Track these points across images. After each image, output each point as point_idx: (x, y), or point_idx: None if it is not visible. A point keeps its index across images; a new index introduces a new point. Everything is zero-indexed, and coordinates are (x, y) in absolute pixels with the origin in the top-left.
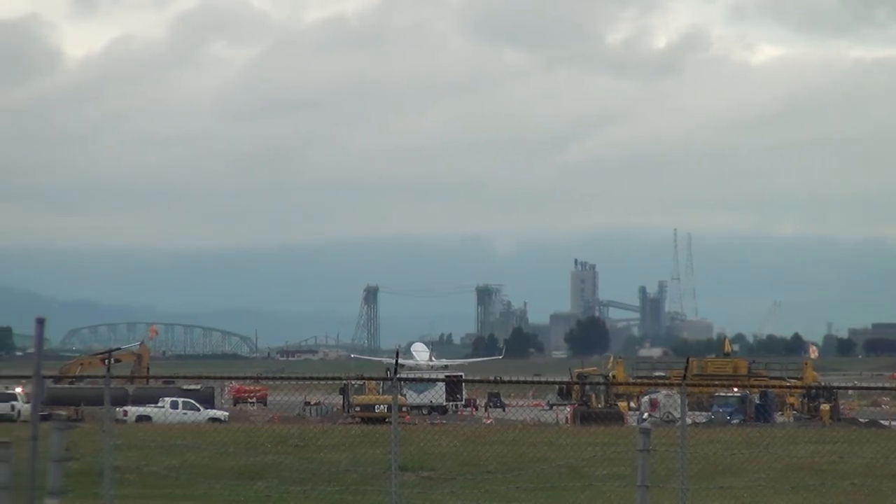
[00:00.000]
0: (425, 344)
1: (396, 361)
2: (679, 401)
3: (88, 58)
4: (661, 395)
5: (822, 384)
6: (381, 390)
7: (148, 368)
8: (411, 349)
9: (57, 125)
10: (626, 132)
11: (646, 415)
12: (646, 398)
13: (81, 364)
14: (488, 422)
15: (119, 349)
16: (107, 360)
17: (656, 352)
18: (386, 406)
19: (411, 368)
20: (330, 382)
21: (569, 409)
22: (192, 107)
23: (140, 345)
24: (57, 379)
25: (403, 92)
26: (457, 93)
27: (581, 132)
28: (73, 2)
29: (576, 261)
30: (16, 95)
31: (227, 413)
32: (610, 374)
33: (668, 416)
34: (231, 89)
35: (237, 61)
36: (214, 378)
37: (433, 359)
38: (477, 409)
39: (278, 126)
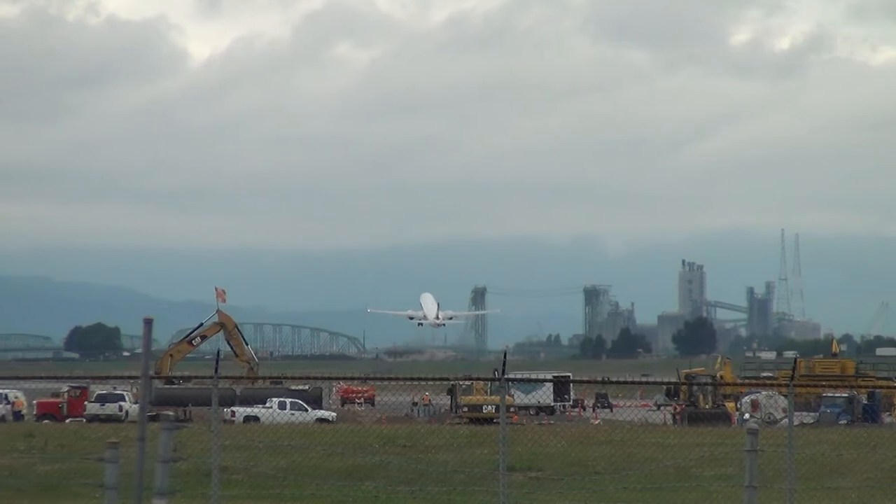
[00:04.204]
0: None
1: (504, 363)
2: (781, 402)
3: (212, 59)
4: (762, 395)
5: None
6: (488, 391)
7: (239, 329)
8: (420, 298)
9: (178, 126)
10: (745, 133)
11: (747, 415)
12: (746, 399)
13: (171, 356)
14: (596, 422)
15: (201, 325)
16: (194, 342)
17: (770, 355)
18: (494, 406)
19: (420, 320)
20: (438, 383)
21: (672, 409)
22: (314, 107)
23: (217, 313)
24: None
25: (526, 92)
26: (579, 93)
27: (700, 133)
28: (198, 3)
29: (683, 261)
30: (139, 96)
31: (334, 413)
32: (717, 375)
33: (769, 417)
34: (354, 90)
35: (361, 62)
36: (322, 378)
37: (440, 315)
38: (585, 410)
39: (400, 127)
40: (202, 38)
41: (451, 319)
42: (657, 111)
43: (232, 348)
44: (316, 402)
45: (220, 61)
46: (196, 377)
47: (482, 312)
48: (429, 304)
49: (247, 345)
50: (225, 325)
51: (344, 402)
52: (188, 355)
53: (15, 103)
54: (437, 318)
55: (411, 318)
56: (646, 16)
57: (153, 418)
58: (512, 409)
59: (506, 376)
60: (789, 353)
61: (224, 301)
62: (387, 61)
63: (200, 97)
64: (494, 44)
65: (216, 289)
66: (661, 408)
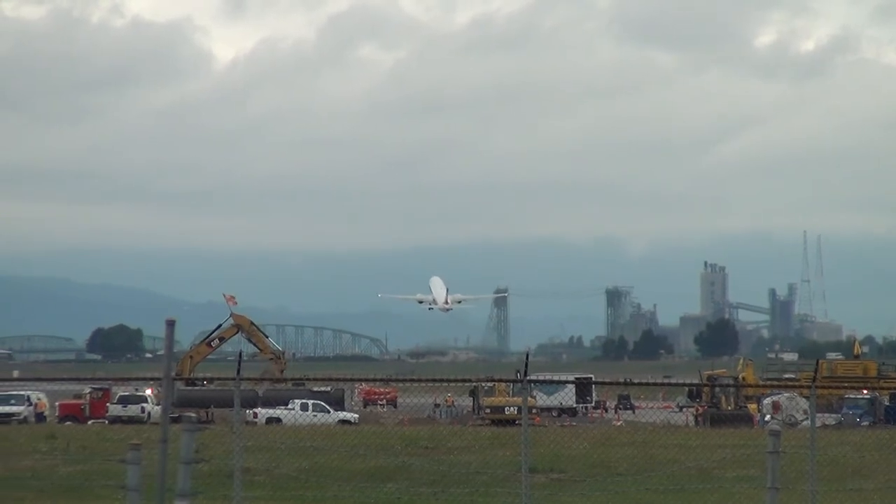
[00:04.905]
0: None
1: (526, 364)
2: (801, 403)
3: (236, 60)
4: (783, 397)
5: None
6: (510, 392)
7: (256, 326)
8: (430, 282)
9: (200, 127)
10: (768, 134)
11: (767, 417)
12: (767, 400)
13: (191, 357)
14: (618, 423)
15: (219, 326)
16: (213, 343)
17: (792, 356)
18: (516, 408)
19: (430, 304)
20: (460, 384)
21: (694, 410)
22: (337, 109)
23: (231, 316)
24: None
25: (549, 94)
26: (603, 95)
27: (723, 135)
28: (223, 4)
29: (706, 263)
30: (163, 98)
31: (356, 415)
32: (739, 376)
33: (790, 419)
34: (378, 91)
35: (385, 63)
36: (344, 380)
37: (448, 300)
38: (607, 411)
39: (423, 128)
40: (227, 40)
41: (460, 303)
42: (680, 113)
43: (255, 345)
44: (338, 404)
45: (244, 63)
46: (219, 378)
47: (490, 296)
48: (438, 288)
49: (267, 337)
50: (241, 326)
51: (366, 403)
52: (209, 357)
53: (40, 105)
54: (446, 302)
55: (421, 302)
56: (670, 18)
57: (175, 420)
58: (534, 411)
59: (528, 378)
60: (832, 355)
61: (235, 304)
62: (410, 63)
63: (225, 99)
64: (518, 45)
65: (224, 295)
66: (684, 409)
